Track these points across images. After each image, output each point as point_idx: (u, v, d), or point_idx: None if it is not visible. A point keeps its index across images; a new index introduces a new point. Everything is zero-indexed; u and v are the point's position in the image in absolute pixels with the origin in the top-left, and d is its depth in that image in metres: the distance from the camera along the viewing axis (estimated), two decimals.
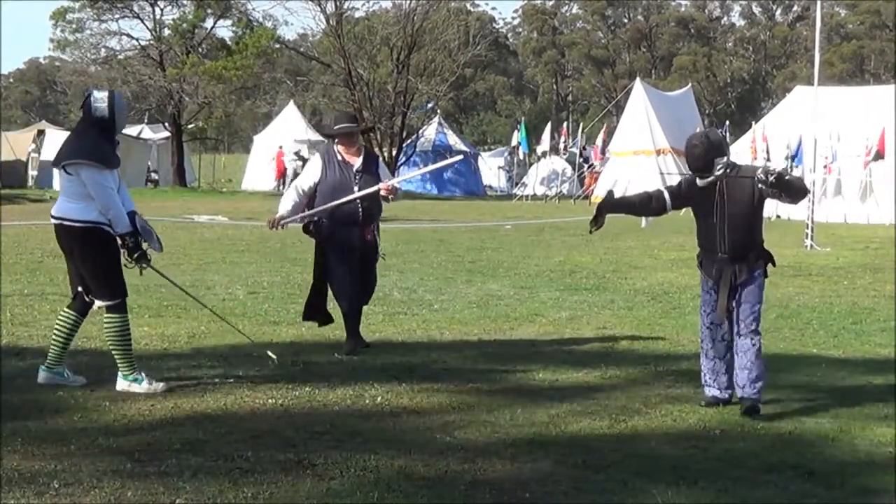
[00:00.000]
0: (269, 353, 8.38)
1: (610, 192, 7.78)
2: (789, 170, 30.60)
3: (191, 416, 6.79)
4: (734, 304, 7.22)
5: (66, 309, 7.76)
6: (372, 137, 43.98)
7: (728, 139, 34.67)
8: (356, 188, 8.98)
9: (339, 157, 9.11)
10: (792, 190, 7.18)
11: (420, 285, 13.63)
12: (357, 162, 9.11)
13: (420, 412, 7.04)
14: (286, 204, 9.20)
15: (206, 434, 6.35)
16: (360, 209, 9.03)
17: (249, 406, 7.13)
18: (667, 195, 7.43)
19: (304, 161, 28.72)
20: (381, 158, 9.87)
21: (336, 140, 9.24)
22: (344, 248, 9.01)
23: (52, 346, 7.68)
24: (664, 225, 27.20)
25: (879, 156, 29.68)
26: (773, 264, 7.38)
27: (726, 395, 7.32)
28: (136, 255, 7.48)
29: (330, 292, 9.27)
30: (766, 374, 7.31)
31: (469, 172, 46.97)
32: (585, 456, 6.00)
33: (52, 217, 7.55)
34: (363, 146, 9.45)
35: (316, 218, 9.10)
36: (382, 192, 9.01)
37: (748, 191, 7.12)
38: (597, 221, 7.45)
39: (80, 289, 7.62)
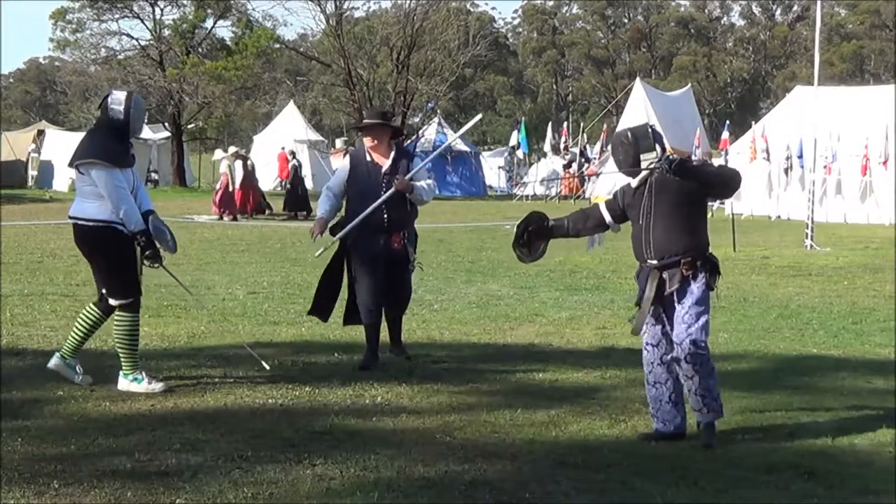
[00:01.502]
0: (264, 364, 8.17)
1: (536, 216, 6.96)
2: (790, 170, 30.73)
3: (191, 416, 6.79)
4: (670, 322, 6.39)
5: (92, 305, 7.78)
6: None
7: (728, 138, 34.67)
8: (383, 191, 8.46)
9: (369, 158, 8.62)
10: (705, 178, 6.33)
11: (420, 285, 13.60)
12: (386, 163, 8.58)
13: (420, 412, 7.04)
14: (324, 204, 8.66)
15: (206, 434, 6.35)
16: (386, 215, 8.46)
17: (249, 406, 7.13)
18: (604, 209, 6.69)
19: (244, 159, 28.88)
20: (412, 154, 9.05)
21: (364, 135, 8.78)
22: (368, 257, 8.48)
23: (70, 337, 7.73)
24: None
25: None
26: (719, 273, 6.49)
27: (671, 428, 6.46)
28: (147, 254, 7.47)
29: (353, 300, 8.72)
30: (719, 401, 6.45)
31: (470, 172, 46.90)
32: (585, 456, 6.00)
33: (69, 217, 7.65)
34: (395, 145, 8.82)
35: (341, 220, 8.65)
36: (397, 187, 8.44)
37: (676, 188, 6.32)
38: (530, 251, 6.87)
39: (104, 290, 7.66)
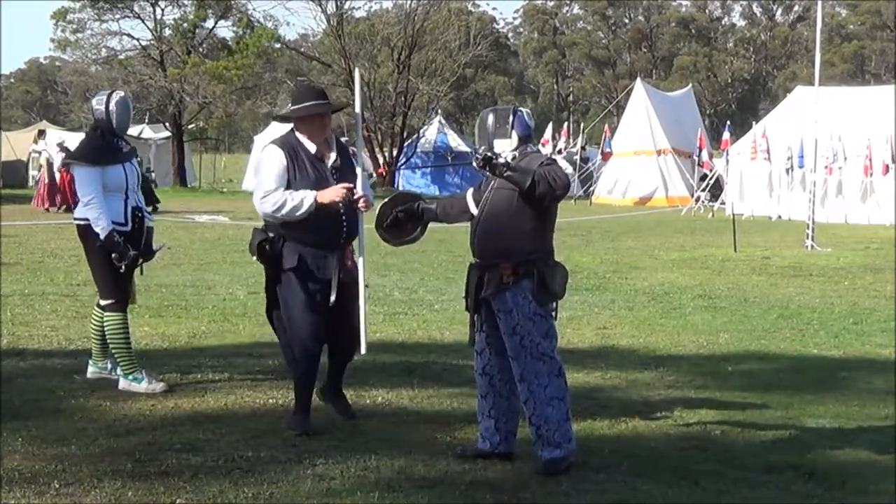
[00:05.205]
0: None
1: (404, 197, 6.48)
2: (791, 171, 30.69)
3: (191, 416, 6.80)
4: (492, 329, 5.88)
5: (95, 306, 7.86)
6: (373, 137, 43.86)
7: (729, 139, 34.64)
8: None
9: (313, 150, 6.64)
10: (510, 180, 5.66)
11: (420, 285, 13.62)
12: (331, 157, 6.67)
13: (420, 412, 7.05)
14: (289, 204, 6.52)
15: (206, 434, 6.35)
16: (345, 227, 6.61)
17: (249, 406, 7.13)
18: (469, 197, 6.10)
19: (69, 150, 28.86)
20: (350, 149, 7.08)
21: (297, 127, 6.67)
22: (317, 286, 6.54)
23: (92, 344, 7.80)
24: (665, 224, 27.18)
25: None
26: (550, 293, 5.92)
27: (487, 446, 5.93)
28: (112, 256, 7.37)
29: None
30: (566, 436, 5.76)
31: (473, 174, 46.87)
32: (585, 456, 6.00)
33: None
34: (333, 134, 6.88)
35: (273, 237, 6.81)
36: (361, 206, 6.56)
37: (510, 185, 5.72)
38: (401, 232, 6.38)
39: None
